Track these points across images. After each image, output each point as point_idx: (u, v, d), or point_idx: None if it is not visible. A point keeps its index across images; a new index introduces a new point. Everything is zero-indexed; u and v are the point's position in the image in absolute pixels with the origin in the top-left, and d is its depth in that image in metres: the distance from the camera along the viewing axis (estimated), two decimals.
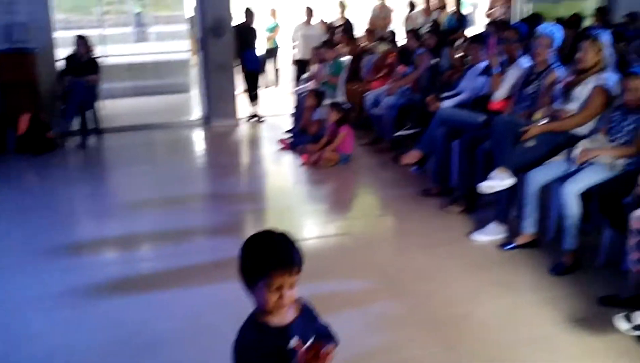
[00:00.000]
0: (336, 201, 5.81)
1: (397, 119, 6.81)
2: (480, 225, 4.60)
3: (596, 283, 3.72)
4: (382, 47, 8.25)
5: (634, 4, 9.21)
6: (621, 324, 2.88)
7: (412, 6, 11.09)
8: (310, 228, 5.10)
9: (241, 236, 4.91)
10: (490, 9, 10.82)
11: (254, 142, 8.38)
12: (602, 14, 9.57)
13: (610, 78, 4.29)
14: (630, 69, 4.18)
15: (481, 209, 4.93)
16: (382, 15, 10.41)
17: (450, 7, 10.54)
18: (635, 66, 4.66)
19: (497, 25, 7.31)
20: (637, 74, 3.98)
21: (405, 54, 7.54)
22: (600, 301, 3.50)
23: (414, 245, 4.48)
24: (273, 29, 11.64)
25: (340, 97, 8.05)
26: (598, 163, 3.96)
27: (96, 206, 5.67)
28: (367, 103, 7.52)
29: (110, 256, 4.59)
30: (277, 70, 12.20)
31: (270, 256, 1.77)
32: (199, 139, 8.48)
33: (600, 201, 3.88)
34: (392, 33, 9.43)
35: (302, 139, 7.10)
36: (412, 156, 5.57)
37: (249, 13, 8.89)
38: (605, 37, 4.36)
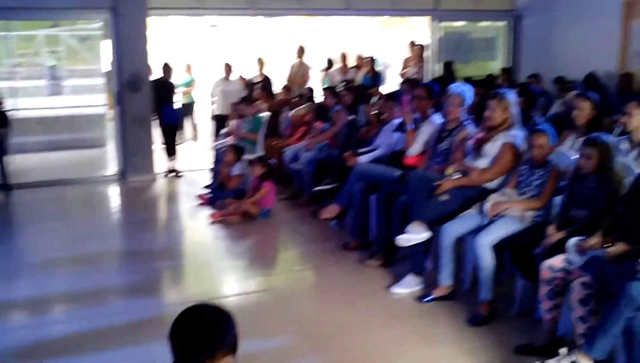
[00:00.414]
0: (256, 257, 5.76)
1: (315, 174, 6.90)
2: (399, 278, 4.66)
3: (512, 333, 3.82)
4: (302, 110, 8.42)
5: (535, 66, 9.83)
6: None
7: (330, 64, 11.38)
8: (230, 285, 5.02)
9: (159, 295, 4.83)
10: (403, 68, 11.26)
11: (172, 197, 8.24)
12: (508, 74, 10.16)
13: (517, 135, 4.52)
14: (537, 127, 4.41)
15: (400, 263, 5.01)
16: (300, 73, 10.61)
17: (366, 65, 10.89)
18: (540, 124, 4.94)
19: (410, 84, 7.60)
20: (542, 131, 4.21)
21: (322, 111, 7.69)
22: (516, 350, 3.59)
23: (334, 299, 4.48)
24: (189, 84, 11.64)
25: (260, 153, 8.08)
26: (508, 215, 4.12)
27: (2, 266, 5.38)
28: (286, 158, 7.59)
29: (19, 320, 4.34)
30: (194, 125, 12.15)
31: (193, 345, 1.69)
32: (114, 195, 8.26)
33: (512, 252, 4.02)
34: (310, 90, 9.61)
35: (220, 194, 7.05)
36: (331, 211, 5.62)
37: (166, 68, 8.86)
38: (511, 96, 4.60)
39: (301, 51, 10.70)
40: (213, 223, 6.42)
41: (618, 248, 3.25)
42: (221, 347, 1.73)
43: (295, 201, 7.26)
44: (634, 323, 2.79)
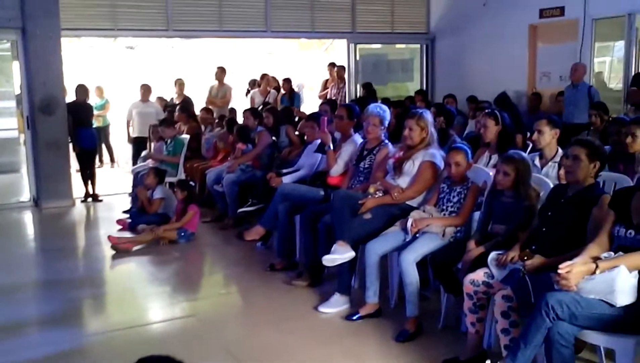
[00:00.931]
0: (180, 282, 5.63)
1: (239, 196, 6.85)
2: (326, 298, 4.67)
3: (439, 347, 3.89)
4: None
5: (450, 87, 10.18)
6: None
7: (253, 85, 11.38)
8: (154, 311, 4.88)
9: (80, 325, 4.64)
10: (323, 89, 11.41)
11: (91, 223, 7.98)
12: (424, 94, 10.47)
13: (436, 153, 4.66)
14: (454, 145, 4.56)
15: (327, 282, 5.03)
16: (220, 94, 10.55)
17: (284, 86, 10.97)
18: (458, 143, 5.11)
19: (329, 105, 7.70)
20: (459, 149, 4.36)
21: (244, 132, 7.66)
22: None
23: (261, 322, 4.44)
24: (103, 107, 11.37)
25: (181, 176, 7.96)
26: (430, 232, 4.22)
27: None
28: (208, 180, 7.50)
29: None
30: (110, 148, 11.85)
31: None
32: (29, 222, 7.91)
33: (434, 268, 4.12)
34: (233, 111, 9.58)
35: (140, 219, 6.89)
36: (255, 232, 5.59)
37: (82, 89, 8.60)
38: (428, 116, 4.75)
39: (221, 72, 10.66)
40: (112, 247, 6.23)
41: (535, 260, 3.38)
42: None
43: (219, 223, 7.17)
44: (552, 332, 2.89)
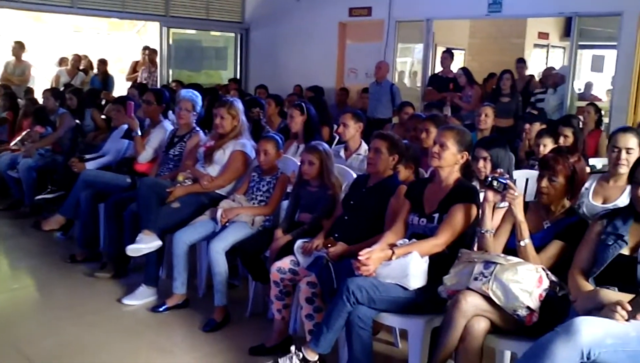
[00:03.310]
0: None
1: (37, 182, 6.35)
2: (131, 289, 4.49)
3: (246, 335, 3.91)
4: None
5: (263, 78, 10.29)
6: None
7: (60, 64, 10.58)
8: None
9: None
10: (132, 72, 10.95)
11: None
12: (237, 83, 10.47)
13: (247, 143, 4.68)
14: (265, 134, 4.62)
15: (133, 273, 4.84)
16: (17, 72, 9.67)
17: (96, 67, 10.37)
18: (269, 132, 5.18)
19: (138, 89, 7.42)
20: (270, 138, 4.41)
21: (42, 114, 7.10)
22: (250, 351, 3.69)
23: (59, 317, 4.15)
24: None
25: None
26: (239, 221, 4.23)
27: None
28: (2, 165, 6.85)
29: None
30: None
31: None
32: None
33: (243, 256, 4.14)
34: (30, 90, 8.85)
35: None
36: (55, 222, 5.22)
37: None
38: (239, 105, 4.75)
39: (19, 48, 9.76)
40: None
41: (338, 247, 3.53)
42: None
43: (13, 212, 6.61)
44: (353, 315, 3.04)
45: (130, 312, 4.31)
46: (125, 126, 5.66)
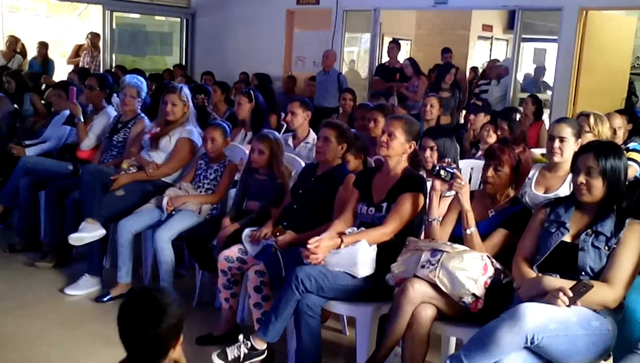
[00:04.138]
0: None
1: None
2: (74, 279, 4.38)
3: (193, 324, 3.84)
4: None
5: (209, 64, 10.14)
6: (218, 361, 3.05)
7: None
8: None
9: None
10: (74, 56, 10.62)
11: None
12: (183, 69, 10.29)
13: (193, 130, 4.61)
14: (212, 122, 4.57)
15: (75, 263, 4.73)
16: None
17: (35, 50, 10.01)
18: (215, 119, 5.12)
19: (80, 74, 7.21)
20: (217, 125, 4.36)
21: None
22: (197, 341, 3.65)
23: None
24: None
25: None
26: (186, 209, 4.17)
27: None
28: None
29: None
30: None
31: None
32: None
33: (190, 245, 4.09)
34: None
35: None
36: None
37: None
38: (187, 92, 4.67)
39: None
40: None
41: (286, 236, 3.52)
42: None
43: None
44: (301, 304, 3.04)
45: (73, 303, 4.20)
46: (67, 112, 5.49)
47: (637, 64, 9.36)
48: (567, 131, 3.62)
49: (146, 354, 1.84)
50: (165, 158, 4.55)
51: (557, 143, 3.60)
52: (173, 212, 4.17)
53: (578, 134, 3.62)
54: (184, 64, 11.23)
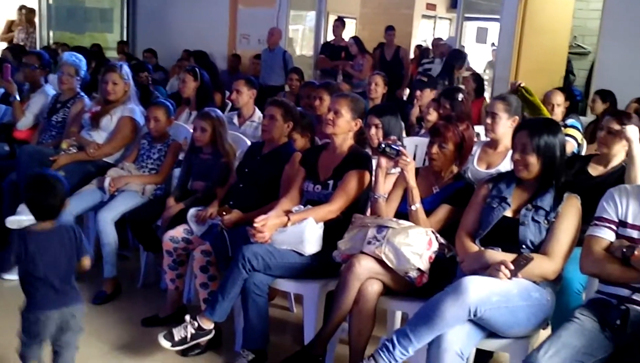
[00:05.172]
0: None
1: None
2: (9, 264, 4.23)
3: (139, 306, 3.81)
4: None
5: (151, 41, 9.91)
6: (164, 342, 3.02)
7: None
8: None
9: None
10: (7, 32, 10.21)
11: None
12: (124, 47, 10.03)
13: (135, 108, 4.51)
14: (155, 100, 4.47)
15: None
16: None
17: None
18: (158, 97, 5.01)
19: (14, 51, 6.96)
20: (160, 104, 4.27)
21: None
22: (143, 322, 3.60)
23: None
24: None
25: None
26: (129, 190, 4.08)
27: None
28: None
29: None
30: None
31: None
32: None
33: (133, 226, 4.02)
34: None
35: None
36: None
37: None
38: (127, 70, 4.56)
39: None
40: None
41: (233, 215, 3.49)
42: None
43: None
44: (249, 283, 3.03)
45: (12, 288, 4.05)
46: (1, 90, 5.30)
47: (575, 44, 9.59)
48: (498, 108, 3.71)
49: (47, 214, 2.61)
50: (107, 137, 4.44)
51: (489, 119, 3.70)
52: (116, 193, 4.08)
53: (512, 111, 3.71)
54: (125, 40, 10.93)
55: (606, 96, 5.89)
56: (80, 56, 4.95)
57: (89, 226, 4.33)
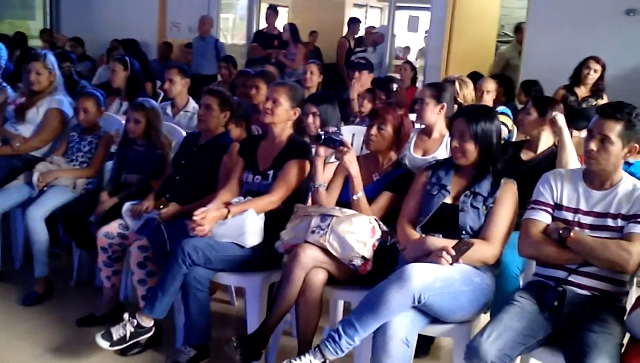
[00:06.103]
0: None
1: None
2: None
3: (73, 306, 3.67)
4: None
5: (77, 29, 9.56)
6: (102, 342, 2.91)
7: None
8: None
9: None
10: None
11: None
12: (48, 35, 9.64)
13: (63, 100, 4.33)
14: (84, 90, 4.31)
15: None
16: None
17: None
18: (85, 87, 4.84)
19: None
20: (89, 94, 4.12)
21: None
22: (78, 322, 3.48)
23: None
24: None
25: None
26: (59, 185, 3.93)
27: None
28: None
29: None
30: None
31: None
32: None
33: (65, 222, 3.87)
34: None
35: None
36: None
37: None
38: (52, 59, 4.37)
39: None
40: None
41: (170, 208, 3.41)
42: None
43: None
44: (189, 277, 2.96)
45: None
46: None
47: (502, 33, 9.84)
48: (425, 93, 3.78)
49: None
50: (34, 130, 4.26)
51: (417, 105, 3.76)
52: (45, 188, 3.92)
53: (440, 97, 3.77)
54: (48, 28, 10.50)
55: (530, 87, 6.05)
56: (0, 45, 4.72)
57: (16, 224, 4.15)
